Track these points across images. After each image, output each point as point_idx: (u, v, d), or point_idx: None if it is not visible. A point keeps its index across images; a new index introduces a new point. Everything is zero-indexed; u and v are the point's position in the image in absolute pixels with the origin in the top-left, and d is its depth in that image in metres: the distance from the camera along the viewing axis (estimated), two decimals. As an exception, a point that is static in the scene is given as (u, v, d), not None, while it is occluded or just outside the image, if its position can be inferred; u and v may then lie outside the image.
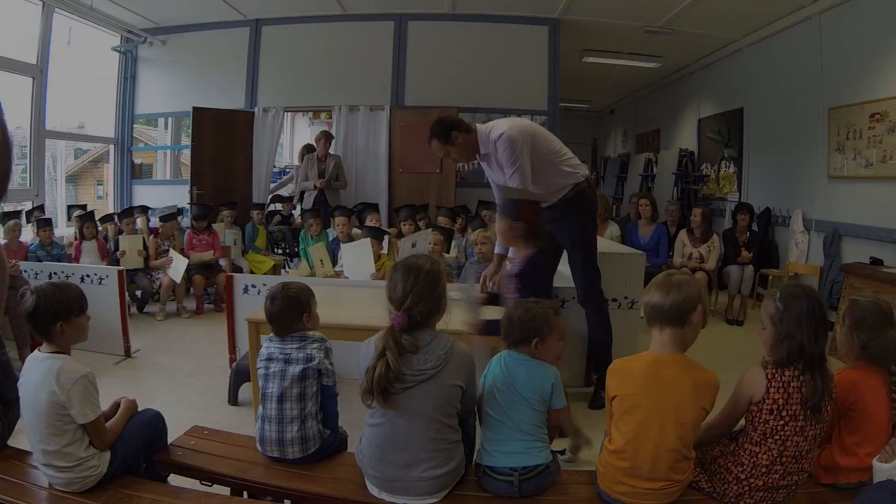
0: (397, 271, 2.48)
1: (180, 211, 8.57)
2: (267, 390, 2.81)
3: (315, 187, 8.58)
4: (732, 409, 2.51)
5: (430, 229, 6.53)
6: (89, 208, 8.34)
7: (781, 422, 2.36)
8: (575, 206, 4.41)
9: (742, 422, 2.55)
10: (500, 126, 4.20)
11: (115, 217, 8.03)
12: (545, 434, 2.65)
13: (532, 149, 4.18)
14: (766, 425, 2.38)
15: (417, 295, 2.43)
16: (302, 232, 7.75)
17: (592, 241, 4.57)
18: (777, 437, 2.37)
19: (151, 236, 7.51)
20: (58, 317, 2.55)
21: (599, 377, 4.67)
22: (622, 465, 2.37)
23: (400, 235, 7.18)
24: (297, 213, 9.46)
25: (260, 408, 2.85)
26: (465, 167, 10.20)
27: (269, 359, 2.85)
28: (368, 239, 6.01)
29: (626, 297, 5.04)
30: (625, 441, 2.36)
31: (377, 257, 5.99)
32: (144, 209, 8.61)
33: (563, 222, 4.46)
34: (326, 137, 8.83)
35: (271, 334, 2.97)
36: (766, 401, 2.37)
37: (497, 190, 4.51)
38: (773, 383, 2.37)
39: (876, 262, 6.32)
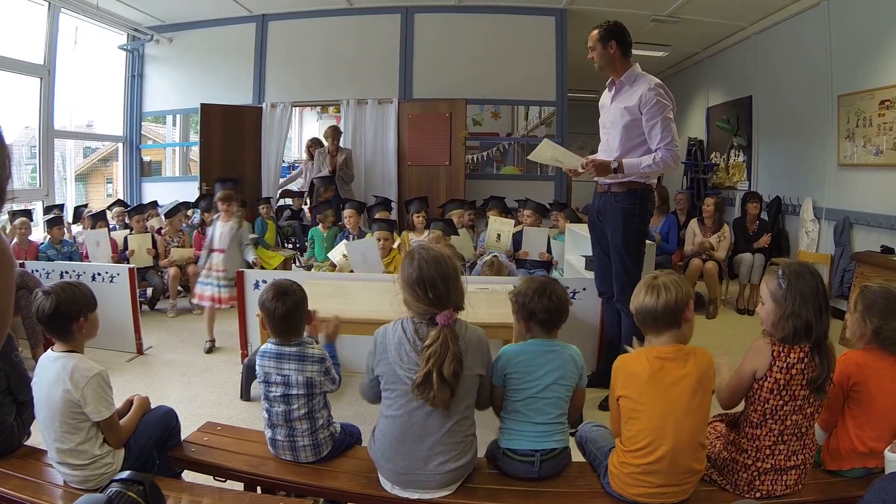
0: (428, 267, 2.40)
1: (187, 205, 8.58)
2: (272, 409, 2.76)
3: (330, 173, 8.60)
4: (737, 380, 2.51)
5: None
6: (98, 207, 8.38)
7: (781, 401, 2.38)
8: (622, 205, 4.34)
9: (741, 405, 2.57)
10: (653, 80, 4.22)
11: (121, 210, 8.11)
12: (566, 418, 2.66)
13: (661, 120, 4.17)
14: (766, 405, 2.40)
15: (453, 284, 2.43)
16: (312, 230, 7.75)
17: (632, 248, 4.39)
18: (777, 417, 2.39)
19: (159, 234, 7.50)
20: (78, 315, 2.58)
21: None
22: (639, 462, 2.36)
23: (412, 228, 7.18)
24: (307, 207, 9.46)
25: (265, 414, 2.80)
26: (475, 159, 10.19)
27: (268, 381, 2.77)
28: (374, 239, 5.99)
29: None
30: (640, 439, 2.36)
31: (388, 251, 5.98)
32: (154, 205, 8.62)
33: (608, 215, 4.43)
34: (334, 133, 8.83)
35: (265, 346, 2.86)
36: (768, 378, 2.39)
37: (601, 127, 4.55)
38: (778, 363, 2.38)
39: (887, 250, 6.27)
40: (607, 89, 4.51)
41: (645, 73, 4.33)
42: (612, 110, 4.36)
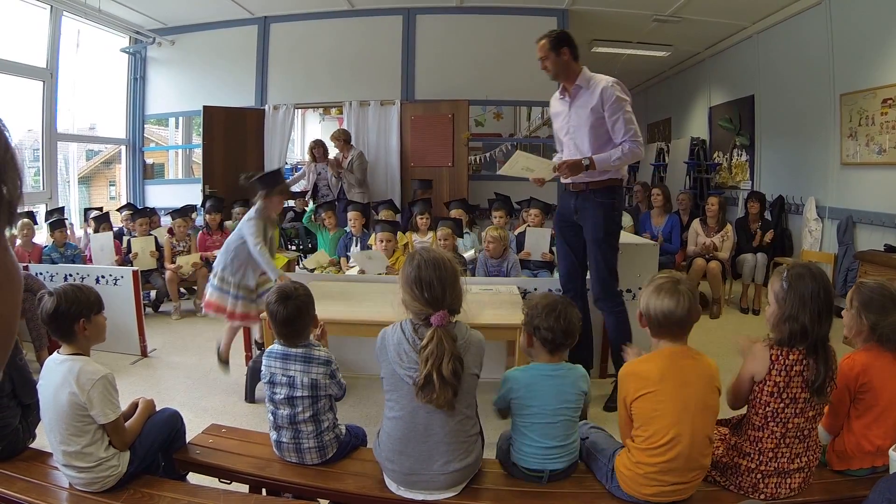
0: (426, 268, 2.42)
1: (193, 208, 8.58)
2: (278, 411, 2.76)
3: (337, 175, 8.64)
4: (737, 383, 2.53)
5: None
6: (103, 209, 8.39)
7: (782, 404, 2.38)
8: (603, 200, 4.40)
9: (743, 409, 2.58)
10: (609, 78, 4.32)
11: (129, 213, 8.12)
12: (576, 436, 2.68)
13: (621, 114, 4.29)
14: (767, 407, 2.40)
15: (451, 287, 2.43)
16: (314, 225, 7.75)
17: (613, 241, 4.52)
18: (778, 420, 2.40)
19: (167, 235, 7.50)
20: (79, 315, 2.57)
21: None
22: (657, 461, 2.35)
23: (416, 229, 7.18)
24: (310, 208, 9.46)
25: (271, 417, 2.81)
26: (478, 160, 10.18)
27: (273, 382, 2.77)
28: (381, 252, 6.00)
29: (640, 289, 5.01)
30: (659, 438, 2.35)
31: (391, 252, 6.00)
32: (154, 211, 8.63)
33: (587, 213, 4.45)
34: (337, 137, 8.83)
35: (272, 347, 2.86)
36: (768, 382, 2.40)
37: (560, 132, 4.59)
38: (776, 365, 2.39)
39: (890, 249, 6.27)
40: (559, 96, 4.56)
41: (595, 73, 4.40)
42: (574, 115, 4.41)
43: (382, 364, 2.51)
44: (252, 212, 4.84)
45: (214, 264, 5.03)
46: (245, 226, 4.80)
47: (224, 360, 5.03)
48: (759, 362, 2.42)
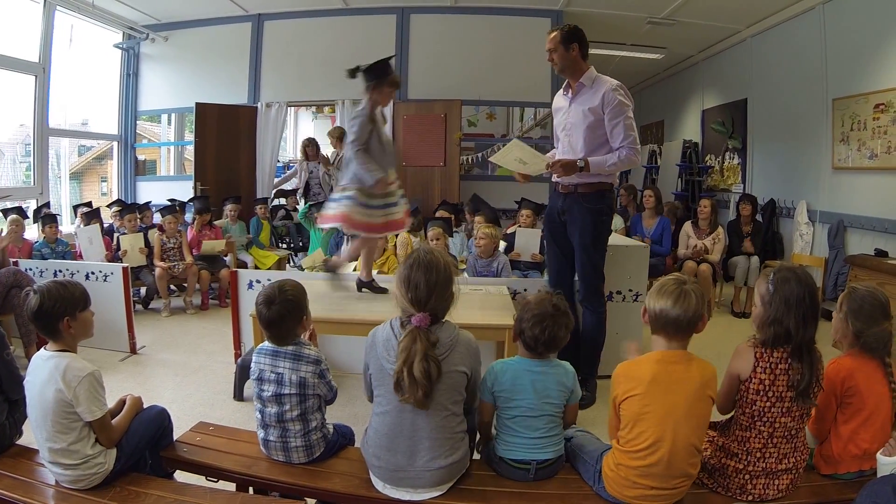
0: (417, 269, 2.43)
1: (182, 206, 8.54)
2: (265, 409, 2.74)
3: (328, 173, 8.68)
4: (726, 384, 2.54)
5: None
6: (94, 205, 8.35)
7: (768, 403, 2.39)
8: (591, 205, 4.38)
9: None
10: (614, 81, 4.29)
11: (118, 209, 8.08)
12: (560, 429, 2.69)
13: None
14: (754, 406, 2.41)
15: (439, 293, 2.44)
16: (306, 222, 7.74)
17: (601, 246, 4.50)
18: (765, 419, 2.41)
19: (157, 233, 7.46)
20: (63, 313, 2.55)
21: (585, 377, 4.50)
22: (637, 465, 2.35)
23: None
24: (302, 207, 9.45)
25: (258, 415, 2.79)
26: (470, 160, 10.17)
27: (261, 379, 2.75)
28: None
29: (630, 290, 5.04)
30: (641, 441, 2.35)
31: (382, 251, 6.00)
32: (147, 205, 8.59)
33: (575, 215, 4.44)
34: (332, 134, 8.85)
35: (262, 344, 2.84)
36: (753, 380, 2.41)
37: (558, 129, 4.58)
38: (761, 363, 2.40)
39: (881, 253, 6.29)
40: (563, 92, 4.54)
41: (601, 74, 4.38)
42: (573, 112, 4.39)
43: (371, 360, 2.52)
44: (358, 109, 4.42)
45: (339, 180, 4.61)
46: (349, 125, 4.49)
47: (331, 268, 4.76)
48: (744, 361, 2.45)
